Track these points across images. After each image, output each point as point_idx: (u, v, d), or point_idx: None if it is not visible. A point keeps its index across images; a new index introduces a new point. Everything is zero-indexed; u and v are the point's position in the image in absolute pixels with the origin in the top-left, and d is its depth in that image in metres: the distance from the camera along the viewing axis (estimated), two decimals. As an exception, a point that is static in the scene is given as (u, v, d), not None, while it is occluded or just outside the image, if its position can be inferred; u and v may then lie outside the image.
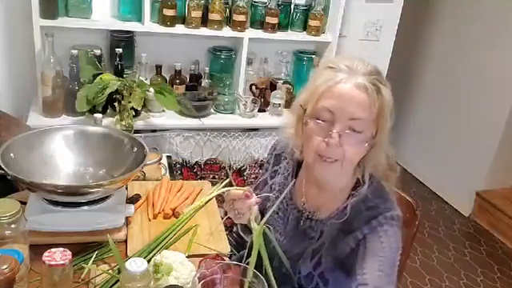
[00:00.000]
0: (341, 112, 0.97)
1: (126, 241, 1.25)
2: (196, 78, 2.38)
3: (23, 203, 1.14)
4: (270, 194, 1.20)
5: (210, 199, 1.46)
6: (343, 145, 0.97)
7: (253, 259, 0.99)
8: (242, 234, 1.29)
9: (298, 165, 1.20)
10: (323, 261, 1.10)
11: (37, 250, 1.03)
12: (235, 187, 1.10)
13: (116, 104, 1.99)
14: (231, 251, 1.28)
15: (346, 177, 1.08)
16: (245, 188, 1.07)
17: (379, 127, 1.00)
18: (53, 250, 0.96)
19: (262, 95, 2.42)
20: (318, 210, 1.14)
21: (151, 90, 2.07)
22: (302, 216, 1.16)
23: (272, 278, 1.02)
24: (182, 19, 2.27)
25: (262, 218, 1.05)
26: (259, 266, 1.20)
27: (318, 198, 1.14)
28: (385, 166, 1.09)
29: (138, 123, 2.11)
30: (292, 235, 1.17)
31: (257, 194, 1.20)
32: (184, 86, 2.34)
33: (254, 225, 1.05)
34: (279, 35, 2.42)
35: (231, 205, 1.08)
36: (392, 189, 1.12)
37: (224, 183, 1.51)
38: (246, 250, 1.03)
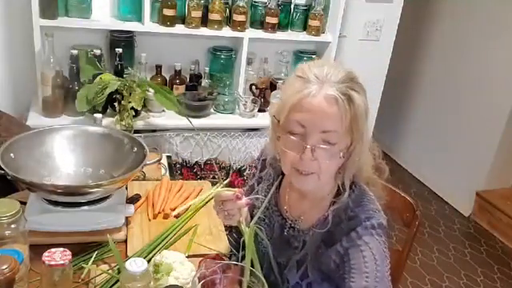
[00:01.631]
0: (312, 126, 0.94)
1: (125, 241, 1.25)
2: (196, 77, 2.38)
3: (23, 203, 1.14)
4: (260, 196, 1.18)
5: (208, 201, 1.47)
6: (317, 158, 0.95)
7: (248, 260, 0.98)
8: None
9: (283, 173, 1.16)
10: (310, 274, 1.08)
11: (37, 250, 1.03)
12: (225, 188, 1.08)
13: (116, 104, 1.99)
14: (231, 251, 1.28)
15: (327, 185, 1.06)
16: (235, 189, 1.05)
17: (354, 137, 0.97)
18: (53, 250, 0.96)
19: (262, 95, 2.42)
20: (300, 218, 1.12)
21: (151, 89, 2.07)
22: (286, 224, 1.14)
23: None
24: (182, 19, 2.27)
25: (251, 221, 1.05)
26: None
27: (301, 205, 1.12)
28: (369, 170, 1.06)
29: (138, 123, 2.11)
30: (277, 243, 1.16)
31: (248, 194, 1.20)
32: (184, 85, 2.34)
33: (244, 227, 1.04)
34: (279, 35, 2.42)
35: (221, 206, 1.06)
36: (381, 193, 1.09)
37: (224, 183, 1.52)
38: (240, 252, 1.02)
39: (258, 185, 1.25)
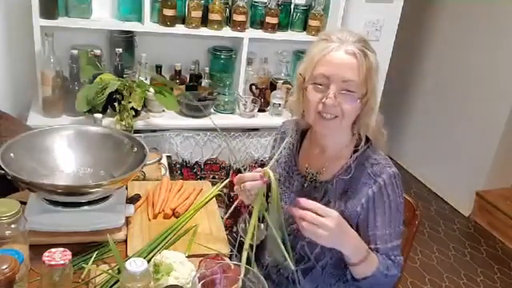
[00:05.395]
0: (335, 75, 1.11)
1: (125, 241, 1.25)
2: (196, 77, 2.38)
3: (23, 203, 1.14)
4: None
5: (210, 199, 1.47)
6: (340, 103, 1.11)
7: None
8: (242, 234, 1.29)
9: (302, 137, 1.32)
10: None
11: (37, 249, 1.03)
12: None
13: (116, 104, 1.99)
14: (231, 251, 1.28)
15: (345, 135, 1.21)
16: (258, 169, 1.13)
17: (368, 87, 1.13)
18: (53, 250, 0.96)
19: (262, 95, 2.41)
20: (321, 170, 1.24)
21: (151, 90, 2.07)
22: (306, 180, 1.25)
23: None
24: (182, 19, 2.27)
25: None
26: (258, 259, 1.22)
27: (321, 160, 1.24)
28: (374, 129, 1.20)
29: (138, 123, 2.11)
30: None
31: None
32: (184, 86, 2.34)
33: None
34: (279, 35, 2.42)
35: (242, 187, 1.12)
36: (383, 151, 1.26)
37: (224, 183, 1.52)
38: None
39: (278, 155, 1.34)
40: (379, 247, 1.16)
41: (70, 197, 1.20)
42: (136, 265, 0.93)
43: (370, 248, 1.16)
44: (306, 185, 1.25)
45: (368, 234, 1.17)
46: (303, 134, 1.33)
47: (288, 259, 1.13)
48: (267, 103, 2.42)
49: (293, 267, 1.17)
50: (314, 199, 1.19)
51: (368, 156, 1.19)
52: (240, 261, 1.18)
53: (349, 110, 1.12)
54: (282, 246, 1.14)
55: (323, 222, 1.03)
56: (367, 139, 1.21)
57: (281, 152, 1.33)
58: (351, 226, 1.18)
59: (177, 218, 1.38)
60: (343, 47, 1.11)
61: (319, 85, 1.13)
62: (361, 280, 1.14)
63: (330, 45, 1.12)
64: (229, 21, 2.35)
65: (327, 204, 1.19)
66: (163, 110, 2.23)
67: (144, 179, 1.58)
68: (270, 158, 1.39)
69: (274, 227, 1.13)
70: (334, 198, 1.19)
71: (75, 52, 1.99)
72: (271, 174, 1.10)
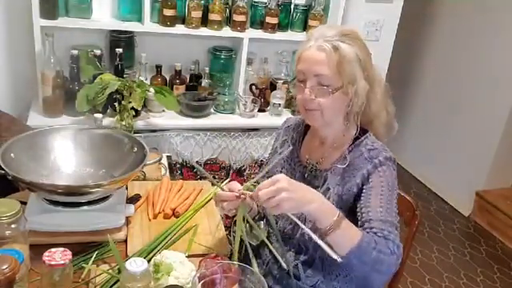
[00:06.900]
0: (308, 71, 1.18)
1: (125, 241, 1.25)
2: (196, 77, 2.38)
3: (23, 203, 1.14)
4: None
5: (210, 199, 1.47)
6: (317, 97, 1.18)
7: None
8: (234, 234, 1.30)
9: (305, 132, 1.38)
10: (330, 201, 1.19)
11: (37, 249, 1.03)
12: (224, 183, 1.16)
13: (116, 104, 1.99)
14: (231, 251, 1.28)
15: (338, 126, 1.25)
16: (233, 188, 1.12)
17: (343, 79, 1.16)
18: (53, 250, 0.96)
19: (262, 95, 2.42)
20: (320, 161, 1.29)
21: (151, 90, 2.07)
22: (306, 170, 1.31)
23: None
24: (182, 19, 2.27)
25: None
26: (259, 256, 1.27)
27: (320, 150, 1.30)
28: (382, 122, 1.30)
29: (138, 123, 2.11)
30: None
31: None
32: (184, 86, 2.34)
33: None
34: (279, 35, 2.42)
35: (222, 205, 1.14)
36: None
37: (224, 183, 1.52)
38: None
39: (280, 147, 1.42)
40: (371, 218, 1.12)
41: (70, 197, 1.20)
42: (136, 265, 0.93)
43: (362, 222, 1.13)
44: (306, 175, 1.30)
45: (361, 207, 1.16)
46: (306, 129, 1.38)
47: (281, 260, 1.17)
48: (267, 103, 2.42)
49: (286, 267, 1.19)
50: (315, 187, 1.23)
51: (366, 144, 1.24)
52: (239, 260, 1.19)
53: (325, 103, 1.18)
54: (274, 251, 1.20)
55: (275, 189, 1.01)
56: (365, 129, 1.26)
57: (282, 147, 1.40)
58: (347, 208, 1.20)
59: (177, 217, 1.38)
60: (316, 44, 1.17)
61: (300, 81, 1.21)
62: (348, 255, 1.06)
63: (307, 43, 1.19)
64: (229, 21, 2.35)
65: (327, 190, 1.23)
66: (163, 110, 2.23)
67: (144, 179, 1.58)
68: (274, 150, 1.46)
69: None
70: (333, 184, 1.23)
71: (75, 52, 1.99)
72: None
